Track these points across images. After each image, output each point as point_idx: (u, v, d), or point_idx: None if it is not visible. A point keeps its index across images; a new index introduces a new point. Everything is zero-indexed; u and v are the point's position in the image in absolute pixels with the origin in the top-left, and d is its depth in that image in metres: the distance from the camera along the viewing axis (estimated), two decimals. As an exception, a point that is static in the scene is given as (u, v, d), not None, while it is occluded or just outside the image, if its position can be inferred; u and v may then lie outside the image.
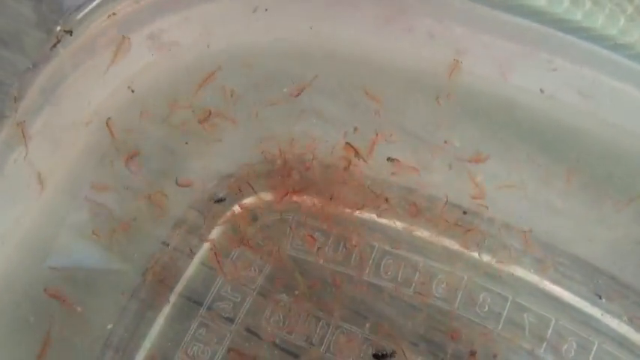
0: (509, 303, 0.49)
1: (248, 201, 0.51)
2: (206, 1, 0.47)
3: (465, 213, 0.50)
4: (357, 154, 0.48)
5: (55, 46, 0.44)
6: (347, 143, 0.48)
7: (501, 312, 0.49)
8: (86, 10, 0.45)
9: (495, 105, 0.48)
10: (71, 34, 0.44)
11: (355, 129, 0.49)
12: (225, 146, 0.49)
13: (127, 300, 0.49)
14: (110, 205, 0.48)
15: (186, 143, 0.49)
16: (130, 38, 0.46)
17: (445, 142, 0.49)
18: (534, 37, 0.46)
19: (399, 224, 0.50)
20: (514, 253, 0.50)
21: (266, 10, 0.47)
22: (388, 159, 0.49)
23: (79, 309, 0.47)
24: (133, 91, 0.46)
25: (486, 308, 0.49)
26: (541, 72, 0.46)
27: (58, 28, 0.44)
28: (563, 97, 0.47)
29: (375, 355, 0.48)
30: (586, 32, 0.47)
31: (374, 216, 0.50)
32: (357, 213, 0.50)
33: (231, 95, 0.48)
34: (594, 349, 0.48)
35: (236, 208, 0.51)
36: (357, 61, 0.48)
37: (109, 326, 0.49)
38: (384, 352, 0.47)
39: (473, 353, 0.48)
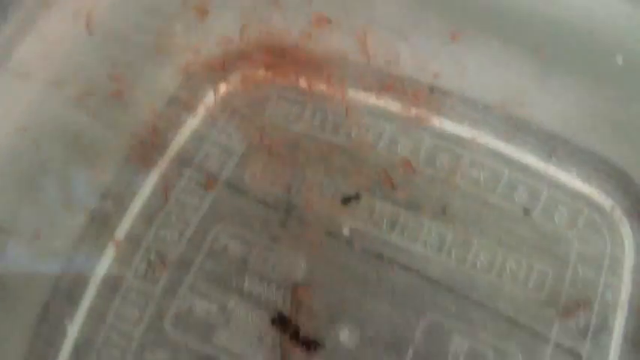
0: (463, 159, 0.55)
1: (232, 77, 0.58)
2: None
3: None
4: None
5: None
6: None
7: (456, 168, 0.55)
8: None
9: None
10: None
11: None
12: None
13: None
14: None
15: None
16: None
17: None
18: None
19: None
20: (472, 120, 0.56)
21: None
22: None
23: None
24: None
25: (445, 165, 0.55)
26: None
27: None
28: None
29: (344, 199, 0.53)
30: None
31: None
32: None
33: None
34: (543, 196, 0.54)
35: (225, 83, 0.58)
36: None
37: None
38: (352, 195, 0.53)
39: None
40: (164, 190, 0.55)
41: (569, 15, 0.54)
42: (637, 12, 0.55)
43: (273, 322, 0.52)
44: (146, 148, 0.56)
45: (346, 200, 0.54)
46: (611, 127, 0.54)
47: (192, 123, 0.57)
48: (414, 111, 0.56)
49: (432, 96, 0.56)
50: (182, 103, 0.57)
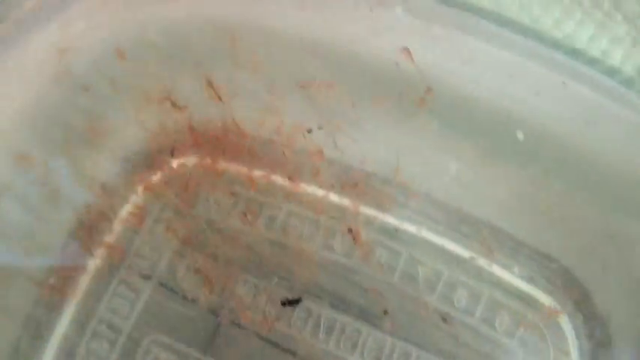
0: (403, 257, 0.53)
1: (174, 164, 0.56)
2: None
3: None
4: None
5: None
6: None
7: (396, 266, 0.52)
8: None
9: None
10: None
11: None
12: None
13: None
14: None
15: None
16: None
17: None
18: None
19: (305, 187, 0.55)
20: (409, 212, 0.54)
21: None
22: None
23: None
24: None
25: (383, 261, 0.53)
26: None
27: None
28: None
29: (282, 303, 0.51)
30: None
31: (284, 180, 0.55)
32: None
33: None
34: (484, 298, 0.51)
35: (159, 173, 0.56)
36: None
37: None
38: (291, 299, 0.51)
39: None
40: (96, 293, 0.53)
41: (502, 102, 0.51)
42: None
43: None
44: (77, 249, 0.54)
45: (285, 304, 0.52)
46: (553, 221, 0.51)
47: (123, 216, 0.55)
48: (353, 205, 0.53)
49: (369, 187, 0.54)
50: (114, 193, 0.55)
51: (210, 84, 0.52)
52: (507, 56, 0.49)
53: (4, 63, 0.50)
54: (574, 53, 0.51)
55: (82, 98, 0.55)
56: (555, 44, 0.52)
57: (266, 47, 0.52)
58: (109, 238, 0.55)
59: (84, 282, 0.53)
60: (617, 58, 0.50)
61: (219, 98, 0.53)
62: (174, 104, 0.54)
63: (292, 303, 0.52)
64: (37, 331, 0.52)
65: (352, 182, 0.54)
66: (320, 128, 0.54)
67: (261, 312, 0.52)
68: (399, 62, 0.51)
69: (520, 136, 0.52)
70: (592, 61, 0.50)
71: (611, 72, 0.51)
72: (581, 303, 0.51)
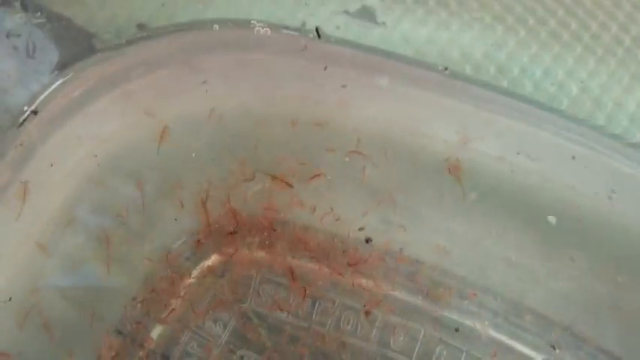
0: (464, 355, 0.51)
1: (215, 258, 0.54)
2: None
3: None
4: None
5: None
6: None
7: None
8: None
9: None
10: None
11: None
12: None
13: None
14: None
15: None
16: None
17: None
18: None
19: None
20: (469, 305, 0.52)
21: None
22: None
23: None
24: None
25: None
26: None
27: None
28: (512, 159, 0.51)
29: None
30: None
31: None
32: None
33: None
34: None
35: (203, 265, 0.54)
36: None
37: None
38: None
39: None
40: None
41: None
42: None
43: None
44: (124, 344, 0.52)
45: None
46: (616, 315, 0.50)
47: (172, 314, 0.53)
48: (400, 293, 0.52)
49: (425, 278, 0.52)
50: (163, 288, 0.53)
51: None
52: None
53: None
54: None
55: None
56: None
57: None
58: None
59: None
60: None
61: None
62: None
63: None
64: None
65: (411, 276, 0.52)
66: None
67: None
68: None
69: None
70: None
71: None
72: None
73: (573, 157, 0.51)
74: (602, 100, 0.52)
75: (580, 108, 0.51)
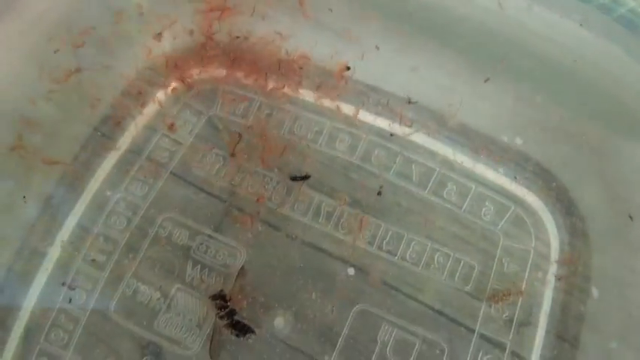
0: (399, 157, 0.58)
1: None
2: None
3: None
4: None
5: None
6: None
7: (392, 165, 0.58)
8: None
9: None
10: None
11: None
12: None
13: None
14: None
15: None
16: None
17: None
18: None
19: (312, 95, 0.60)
20: (407, 120, 0.59)
21: None
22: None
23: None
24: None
25: (381, 161, 0.58)
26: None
27: None
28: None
29: (292, 178, 0.57)
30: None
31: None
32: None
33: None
34: (471, 192, 0.56)
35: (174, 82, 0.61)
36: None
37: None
38: (300, 176, 0.57)
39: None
40: (115, 178, 0.58)
41: (500, 23, 0.57)
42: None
43: (214, 297, 0.54)
44: (101, 138, 0.59)
45: (295, 178, 0.57)
46: (539, 129, 0.56)
47: (143, 116, 0.60)
48: (349, 108, 0.59)
49: (368, 96, 0.59)
50: (135, 96, 0.60)
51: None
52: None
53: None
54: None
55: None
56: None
57: None
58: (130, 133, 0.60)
59: (107, 166, 0.58)
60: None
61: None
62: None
63: (301, 179, 0.56)
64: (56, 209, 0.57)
65: (358, 95, 0.60)
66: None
67: (267, 198, 0.57)
68: None
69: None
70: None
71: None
72: (562, 201, 0.55)
73: None
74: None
75: None
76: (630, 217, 0.53)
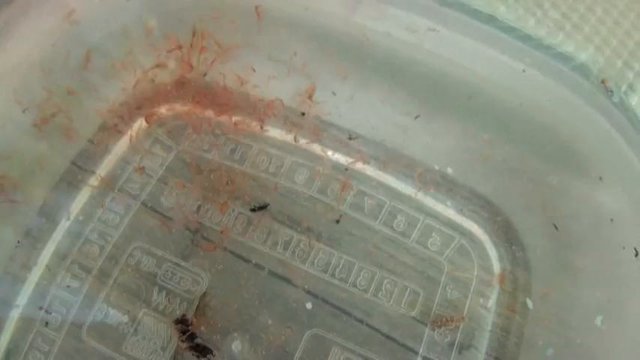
0: (353, 190, 0.62)
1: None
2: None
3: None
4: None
5: None
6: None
7: (346, 197, 0.61)
8: None
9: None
10: None
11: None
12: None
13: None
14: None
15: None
16: None
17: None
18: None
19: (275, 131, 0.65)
20: (362, 156, 0.63)
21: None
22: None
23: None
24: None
25: (336, 193, 0.62)
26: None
27: None
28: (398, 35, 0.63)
29: (252, 209, 0.61)
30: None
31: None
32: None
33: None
34: (419, 223, 0.60)
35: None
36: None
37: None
38: (259, 206, 0.61)
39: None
40: (90, 209, 0.62)
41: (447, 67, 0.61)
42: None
43: (176, 322, 0.58)
44: (78, 170, 0.64)
45: (255, 209, 0.61)
46: (486, 165, 0.60)
47: (117, 150, 0.65)
48: (309, 144, 0.63)
49: (326, 132, 0.64)
50: (110, 131, 0.65)
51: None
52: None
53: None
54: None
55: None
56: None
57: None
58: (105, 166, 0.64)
59: (82, 198, 0.63)
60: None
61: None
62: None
63: (260, 209, 0.61)
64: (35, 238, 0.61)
65: (317, 131, 0.64)
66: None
67: (230, 228, 0.61)
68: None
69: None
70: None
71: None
72: (505, 232, 0.59)
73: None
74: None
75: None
76: (555, 226, 0.56)
